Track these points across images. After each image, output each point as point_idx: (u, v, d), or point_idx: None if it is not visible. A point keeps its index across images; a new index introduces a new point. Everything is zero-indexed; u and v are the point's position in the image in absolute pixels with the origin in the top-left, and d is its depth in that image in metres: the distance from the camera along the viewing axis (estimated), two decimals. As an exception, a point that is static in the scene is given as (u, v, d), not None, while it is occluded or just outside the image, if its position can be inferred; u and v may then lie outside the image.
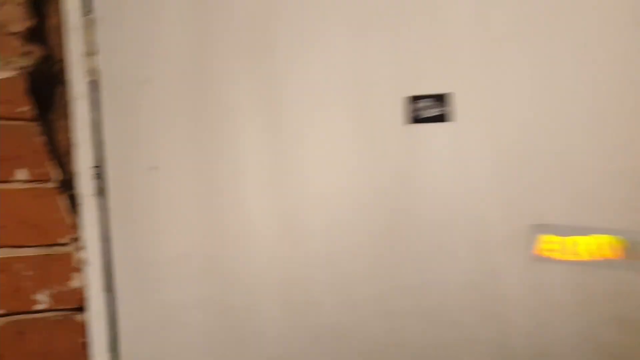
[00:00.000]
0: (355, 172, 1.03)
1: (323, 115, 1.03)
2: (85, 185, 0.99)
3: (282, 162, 1.03)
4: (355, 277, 1.04)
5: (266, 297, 1.04)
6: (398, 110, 1.03)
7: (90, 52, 0.99)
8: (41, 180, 0.97)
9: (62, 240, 0.98)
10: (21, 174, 0.96)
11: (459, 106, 1.02)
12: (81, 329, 0.99)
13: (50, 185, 0.97)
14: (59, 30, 0.99)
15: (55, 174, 0.97)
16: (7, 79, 0.95)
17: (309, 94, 1.03)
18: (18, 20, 0.96)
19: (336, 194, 1.03)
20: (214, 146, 1.02)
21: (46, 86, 0.99)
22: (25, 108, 0.96)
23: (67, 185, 0.99)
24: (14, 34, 0.95)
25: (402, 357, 1.04)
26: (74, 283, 0.98)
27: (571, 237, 1.01)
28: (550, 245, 1.01)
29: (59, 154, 0.99)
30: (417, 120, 1.01)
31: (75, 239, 0.98)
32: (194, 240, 1.02)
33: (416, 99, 1.01)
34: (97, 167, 0.99)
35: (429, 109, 1.00)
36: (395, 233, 1.03)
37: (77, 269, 0.98)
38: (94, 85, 0.99)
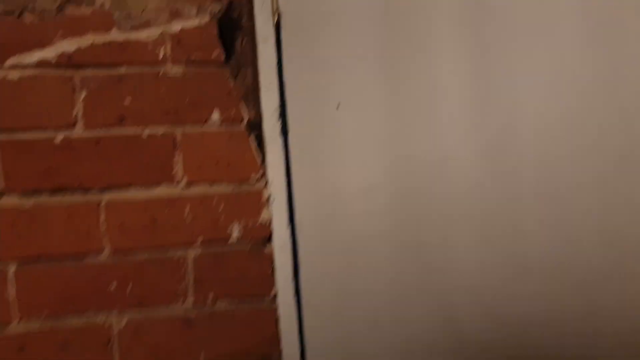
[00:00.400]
0: (585, 95, 0.92)
1: (546, 29, 0.91)
2: (270, 126, 1.04)
3: (487, 86, 0.96)
4: (579, 213, 0.97)
5: (462, 230, 1.01)
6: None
7: (273, -5, 1.01)
8: (233, 122, 1.03)
9: (252, 178, 1.05)
10: (216, 116, 1.02)
11: None
12: (269, 259, 1.07)
13: (240, 126, 1.03)
14: (240, -27, 1.01)
15: (245, 115, 1.03)
16: (202, 24, 0.99)
17: (528, 8, 0.92)
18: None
19: (556, 121, 0.94)
20: (406, 72, 0.98)
21: (229, 31, 1.03)
22: (218, 53, 1.01)
23: (253, 127, 1.05)
24: (208, -21, 0.99)
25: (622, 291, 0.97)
26: (262, 217, 1.06)
27: None
28: None
29: (245, 97, 1.04)
30: None
31: (263, 176, 1.05)
32: (380, 173, 1.02)
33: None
34: (280, 107, 1.04)
35: None
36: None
37: (265, 204, 1.06)
38: (277, 27, 1.02)
